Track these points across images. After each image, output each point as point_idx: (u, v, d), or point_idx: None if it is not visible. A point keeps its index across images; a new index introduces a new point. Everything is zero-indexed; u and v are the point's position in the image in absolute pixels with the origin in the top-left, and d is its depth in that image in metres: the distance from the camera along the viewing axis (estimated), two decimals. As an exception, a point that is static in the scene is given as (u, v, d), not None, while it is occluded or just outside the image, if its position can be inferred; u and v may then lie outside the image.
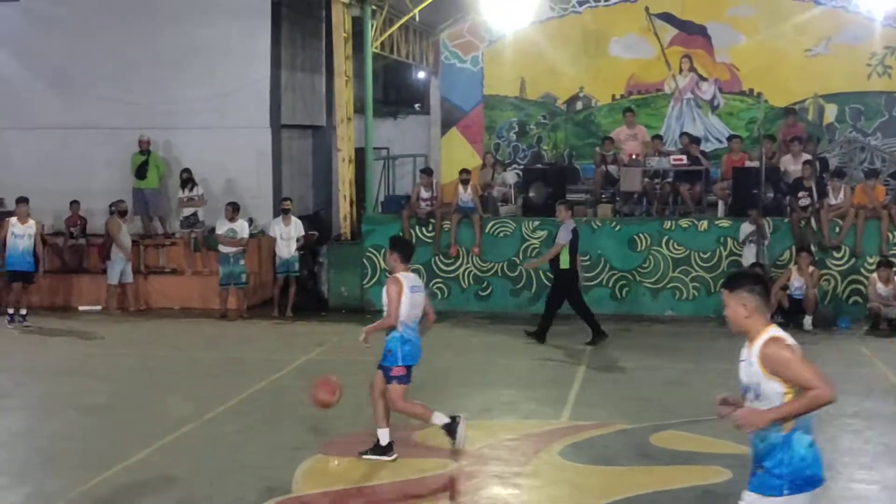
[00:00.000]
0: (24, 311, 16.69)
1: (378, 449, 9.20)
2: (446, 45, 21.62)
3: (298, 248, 17.51)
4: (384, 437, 9.20)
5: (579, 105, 21.21)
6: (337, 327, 16.36)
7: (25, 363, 13.68)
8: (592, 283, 17.06)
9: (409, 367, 9.13)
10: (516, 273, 17.35)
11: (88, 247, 19.00)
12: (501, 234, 17.35)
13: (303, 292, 17.85)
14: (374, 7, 18.11)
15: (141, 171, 19.04)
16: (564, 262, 14.49)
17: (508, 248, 17.36)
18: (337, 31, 17.88)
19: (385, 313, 9.12)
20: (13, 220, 16.90)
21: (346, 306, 17.69)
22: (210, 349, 14.90)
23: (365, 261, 17.60)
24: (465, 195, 17.47)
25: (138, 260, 18.61)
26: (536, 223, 17.37)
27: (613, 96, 20.98)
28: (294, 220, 17.61)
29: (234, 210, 17.50)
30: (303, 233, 17.60)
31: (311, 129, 21.61)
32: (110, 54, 19.43)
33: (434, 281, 17.40)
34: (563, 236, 14.48)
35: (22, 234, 16.79)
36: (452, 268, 17.36)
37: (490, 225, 17.54)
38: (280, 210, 17.90)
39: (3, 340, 15.53)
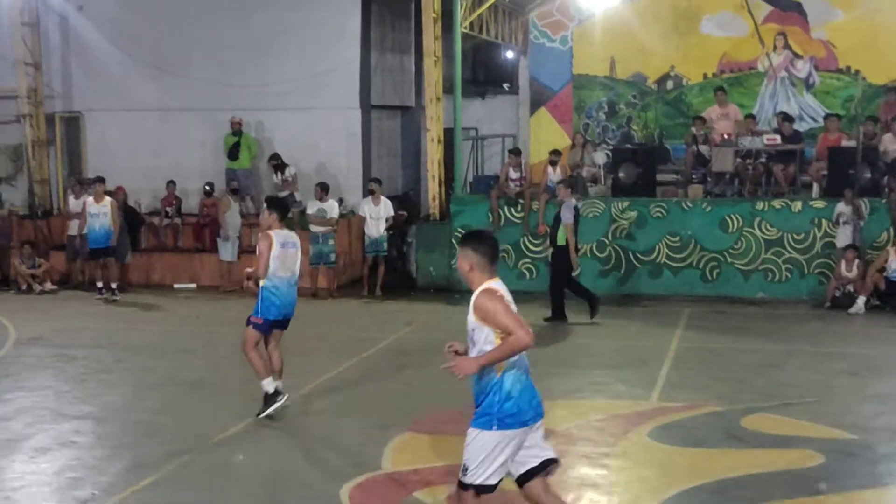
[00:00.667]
0: (113, 286, 17.20)
1: (267, 400, 9.78)
2: (535, 24, 21.53)
3: (387, 228, 17.65)
4: (267, 386, 9.80)
5: (670, 84, 20.95)
6: (425, 307, 16.48)
7: (124, 340, 14.03)
8: (682, 265, 16.93)
9: (267, 320, 9.83)
10: (605, 254, 17.26)
11: (183, 226, 19.41)
12: (590, 215, 17.26)
13: (392, 272, 18.02)
14: (463, -13, 18.11)
15: (233, 152, 19.36)
16: (561, 240, 14.66)
17: (597, 229, 17.26)
18: (426, 12, 17.93)
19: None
20: (90, 199, 17.34)
21: (433, 286, 17.80)
22: (300, 327, 14.97)
23: (453, 241, 17.64)
24: (555, 175, 17.40)
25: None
26: (626, 204, 17.25)
27: (705, 75, 20.70)
28: (383, 200, 17.74)
29: (323, 190, 17.69)
30: (392, 213, 17.73)
31: (400, 109, 21.72)
32: (205, 37, 19.74)
33: (522, 261, 17.42)
34: (567, 216, 14.65)
35: (97, 212, 17.22)
36: (541, 248, 17.32)
37: (579, 205, 17.45)
38: (368, 190, 18.06)
39: (102, 318, 15.97)
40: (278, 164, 19.01)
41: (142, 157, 19.94)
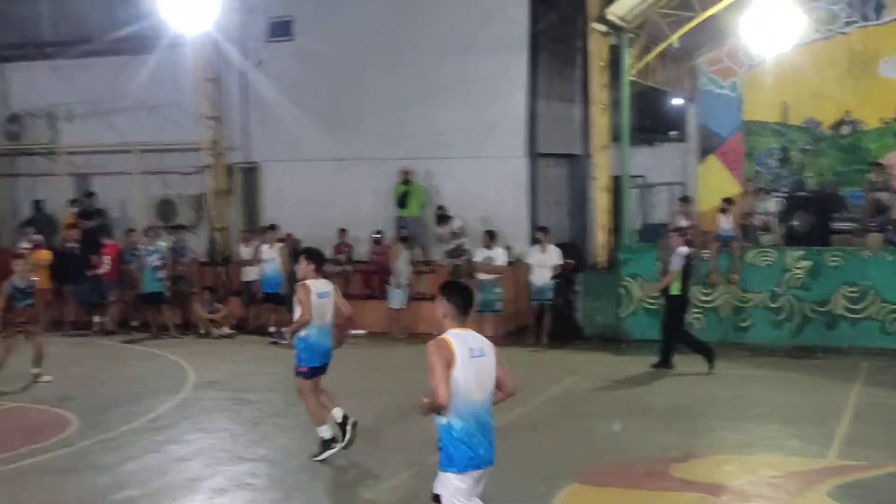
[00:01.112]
0: (283, 330, 17.71)
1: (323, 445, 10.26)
2: (704, 70, 21.28)
3: (554, 277, 17.63)
4: (324, 433, 10.30)
5: (845, 129, 20.32)
6: (591, 356, 16.35)
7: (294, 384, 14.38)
8: (860, 316, 16.30)
9: (312, 368, 10.36)
10: (778, 304, 16.78)
11: (354, 273, 19.86)
12: (762, 264, 16.83)
13: (558, 320, 17.96)
14: (631, 35, 18.05)
15: (403, 201, 19.76)
16: (675, 289, 14.70)
17: (770, 279, 16.81)
18: (594, 60, 17.97)
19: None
20: (264, 246, 18.03)
21: (600, 335, 17.66)
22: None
23: (621, 289, 17.49)
24: (726, 223, 17.08)
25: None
26: (800, 253, 16.76)
27: (883, 119, 19.99)
28: (551, 247, 17.75)
29: (491, 238, 17.84)
30: (559, 261, 17.71)
31: (566, 157, 21.74)
32: (376, 89, 20.28)
33: (692, 311, 17.11)
34: (676, 263, 14.60)
35: (269, 258, 17.90)
36: (711, 297, 16.98)
37: (750, 254, 17.07)
38: (535, 239, 18.11)
39: (274, 362, 16.40)
40: (442, 215, 19.31)
41: (315, 205, 20.55)
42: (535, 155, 20.12)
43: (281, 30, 21.11)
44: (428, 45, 19.99)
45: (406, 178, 19.78)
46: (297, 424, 12.08)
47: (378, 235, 19.61)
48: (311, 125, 20.72)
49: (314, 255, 10.56)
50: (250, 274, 18.85)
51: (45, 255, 19.48)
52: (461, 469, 6.36)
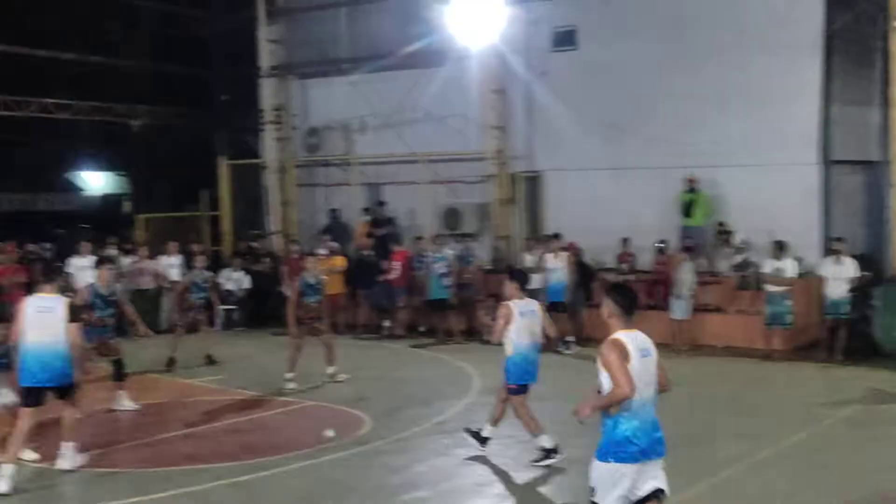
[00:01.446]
0: (569, 339, 17.81)
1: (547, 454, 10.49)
2: None
3: (851, 290, 16.76)
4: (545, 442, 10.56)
5: None
6: (888, 375, 15.42)
7: (582, 392, 14.40)
8: None
9: (521, 385, 10.64)
10: None
11: (636, 282, 19.64)
12: None
13: (853, 336, 17.05)
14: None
15: (688, 210, 19.39)
16: None
17: None
18: (895, 61, 16.95)
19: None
20: (549, 255, 18.25)
21: (899, 352, 16.64)
22: (753, 389, 14.76)
23: (924, 304, 16.41)
24: None
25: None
26: None
27: None
28: (847, 259, 16.88)
29: (780, 249, 17.20)
30: (857, 273, 16.81)
31: (862, 164, 20.60)
32: (659, 95, 20.00)
33: None
34: None
35: (554, 267, 17.99)
36: None
37: None
38: (830, 250, 17.29)
39: (560, 369, 16.46)
40: (723, 230, 18.83)
41: (598, 214, 20.49)
42: (828, 162, 19.20)
43: (565, 39, 21.24)
44: (714, 49, 19.50)
45: (691, 187, 19.40)
46: (583, 432, 12.07)
47: (661, 245, 19.35)
48: (594, 134, 20.71)
49: (517, 275, 11.12)
50: (534, 282, 19.02)
51: (340, 262, 20.55)
52: (622, 460, 6.64)
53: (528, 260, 19.39)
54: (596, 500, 6.69)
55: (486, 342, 18.91)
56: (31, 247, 20.82)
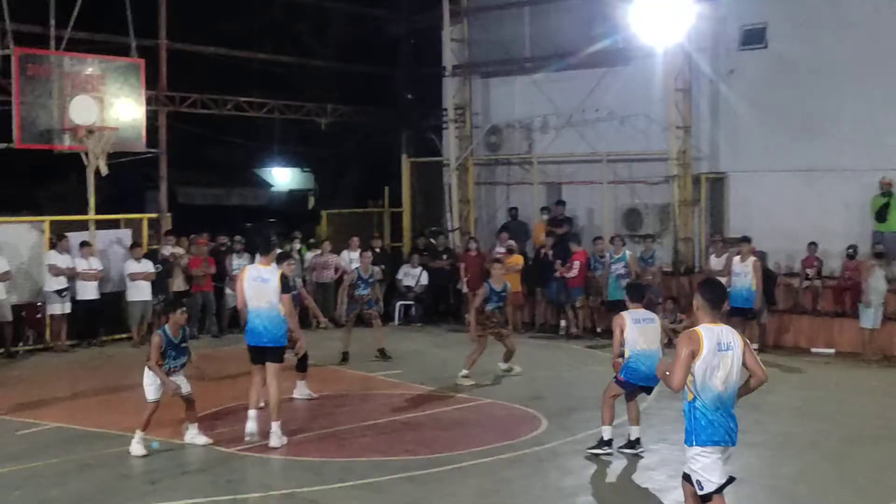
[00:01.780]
0: (754, 346, 17.24)
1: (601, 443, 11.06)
2: None
3: None
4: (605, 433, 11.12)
5: None
6: None
7: (760, 401, 13.99)
8: None
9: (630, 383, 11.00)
10: None
11: (823, 289, 18.97)
12: None
13: None
14: None
15: (881, 214, 18.57)
16: None
17: None
18: None
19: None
20: (735, 258, 17.44)
21: None
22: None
23: None
24: None
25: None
26: None
27: None
28: None
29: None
30: None
31: None
32: (851, 94, 19.29)
33: None
34: None
35: (740, 272, 17.25)
36: None
37: None
38: None
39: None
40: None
41: (783, 217, 19.90)
42: None
43: (754, 37, 20.69)
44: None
45: (886, 190, 18.56)
46: (763, 442, 11.78)
47: (851, 250, 18.58)
48: (782, 134, 20.13)
49: (631, 290, 11.76)
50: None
51: (518, 260, 20.61)
52: (703, 443, 7.28)
53: (714, 262, 18.92)
54: (705, 489, 7.33)
55: (667, 345, 18.63)
56: (222, 239, 21.65)
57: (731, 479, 7.41)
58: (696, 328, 7.31)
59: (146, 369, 11.41)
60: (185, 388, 11.59)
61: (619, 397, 11.32)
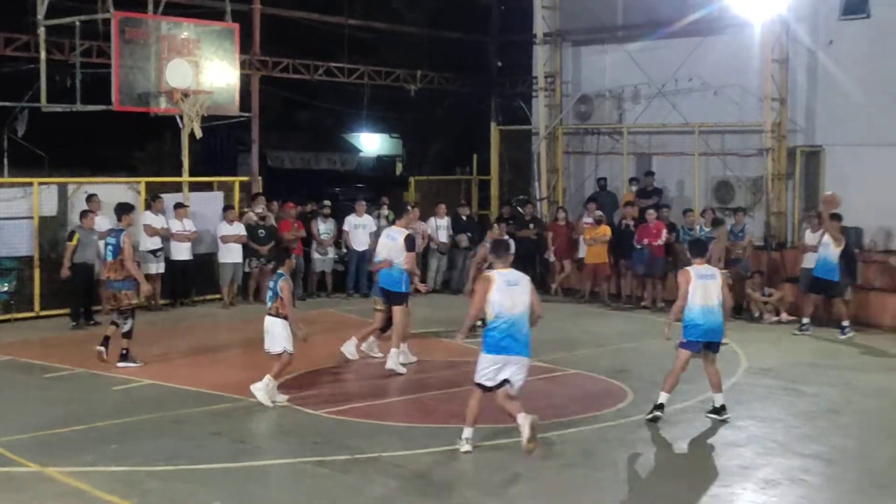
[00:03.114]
0: (845, 323, 16.95)
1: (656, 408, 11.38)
2: None
3: None
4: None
5: None
6: None
7: (855, 380, 13.77)
8: None
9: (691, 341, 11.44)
10: None
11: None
12: None
13: None
14: None
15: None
16: None
17: None
18: None
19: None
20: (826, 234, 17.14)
21: None
22: None
23: None
24: None
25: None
26: None
27: None
28: None
29: None
30: None
31: None
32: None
33: None
34: None
35: (825, 244, 17.02)
36: None
37: None
38: None
39: (827, 354, 15.78)
40: None
41: (881, 192, 19.37)
42: None
43: (856, 6, 20.10)
44: None
45: None
46: (855, 423, 11.58)
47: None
48: (883, 107, 19.53)
49: (693, 245, 12.20)
50: (809, 261, 18.23)
51: (606, 231, 20.46)
52: (489, 353, 9.82)
53: (808, 238, 18.50)
54: (476, 379, 9.94)
55: (756, 319, 18.41)
56: (310, 204, 21.88)
57: (505, 382, 9.85)
58: (488, 272, 10.14)
59: (276, 320, 11.69)
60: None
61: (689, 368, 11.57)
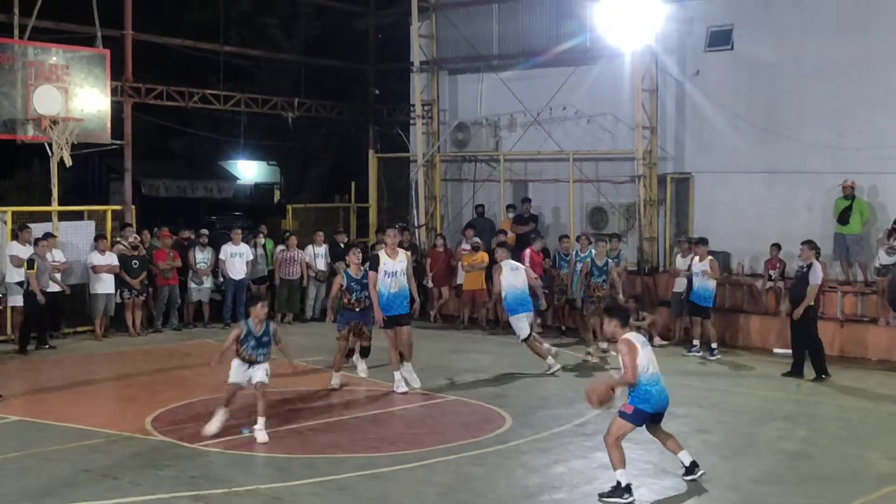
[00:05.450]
0: (713, 345, 17.50)
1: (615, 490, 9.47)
2: None
3: None
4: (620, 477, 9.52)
5: None
6: None
7: (724, 402, 14.17)
8: None
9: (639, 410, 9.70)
10: None
11: (785, 289, 19.12)
12: None
13: None
14: None
15: (843, 216, 18.74)
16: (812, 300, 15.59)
17: None
18: None
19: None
20: (695, 258, 17.93)
21: None
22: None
23: None
24: None
25: (836, 307, 18.32)
26: None
27: None
28: None
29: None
30: None
31: None
32: (819, 98, 19.46)
33: None
34: (816, 278, 15.57)
35: (697, 271, 17.78)
36: None
37: None
38: None
39: (697, 376, 16.21)
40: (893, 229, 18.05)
41: (747, 218, 20.12)
42: None
43: (720, 39, 20.84)
44: (877, 51, 18.84)
45: (849, 193, 18.73)
46: (725, 443, 11.89)
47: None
48: (747, 136, 20.33)
49: (617, 312, 10.21)
50: (681, 285, 18.77)
51: (483, 258, 20.65)
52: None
53: (679, 263, 19.05)
54: None
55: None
56: (185, 233, 21.52)
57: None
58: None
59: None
60: (261, 377, 11.73)
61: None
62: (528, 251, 19.09)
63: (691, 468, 10.10)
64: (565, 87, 22.01)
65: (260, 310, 11.84)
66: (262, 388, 11.71)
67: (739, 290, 19.61)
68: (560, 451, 11.36)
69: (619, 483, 9.51)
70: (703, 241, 18.18)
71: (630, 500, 9.44)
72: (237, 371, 11.78)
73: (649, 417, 9.88)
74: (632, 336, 9.82)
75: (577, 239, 20.08)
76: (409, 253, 15.42)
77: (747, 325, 19.07)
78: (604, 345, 17.39)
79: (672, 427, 12.37)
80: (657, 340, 18.80)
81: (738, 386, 15.56)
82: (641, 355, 9.68)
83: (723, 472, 10.65)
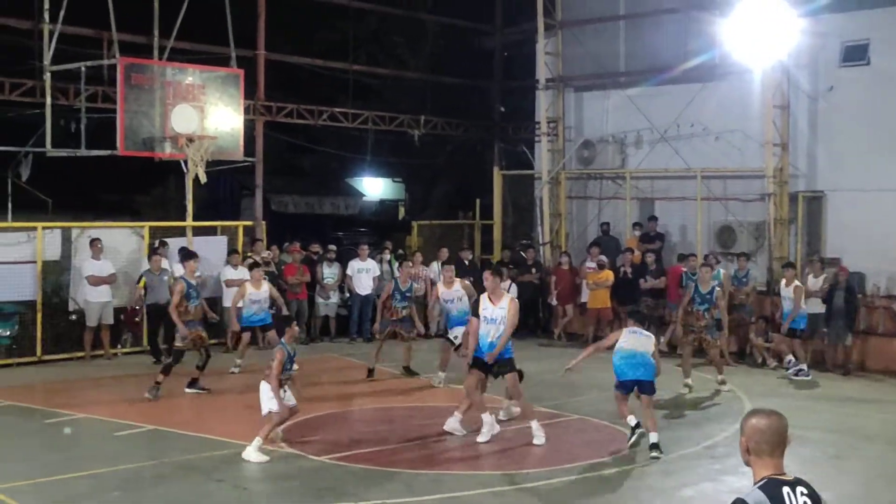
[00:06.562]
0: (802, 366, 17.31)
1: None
2: None
3: None
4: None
5: None
6: None
7: (857, 425, 13.74)
8: None
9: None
10: None
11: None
12: None
13: None
14: None
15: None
16: None
17: None
18: None
19: None
20: (810, 277, 18.13)
21: None
22: None
23: None
24: None
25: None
26: None
27: None
28: None
29: None
30: None
31: None
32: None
33: None
34: None
35: (785, 296, 17.95)
36: None
37: None
38: None
39: (826, 401, 15.75)
40: None
41: (883, 238, 19.44)
42: None
43: (855, 54, 20.26)
44: None
45: None
46: (861, 469, 11.53)
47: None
48: (883, 153, 19.66)
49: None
50: (812, 306, 18.30)
51: (608, 276, 20.48)
52: None
53: (811, 283, 18.56)
54: None
55: (758, 365, 18.37)
56: (315, 247, 21.91)
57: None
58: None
59: (263, 384, 11.64)
60: (292, 401, 11.82)
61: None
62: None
63: (634, 430, 11.84)
64: (693, 103, 21.70)
65: (296, 330, 12.30)
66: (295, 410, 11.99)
67: (876, 312, 18.96)
68: (687, 474, 11.18)
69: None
70: (790, 266, 17.89)
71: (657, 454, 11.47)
72: (274, 396, 11.62)
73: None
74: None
75: (705, 258, 19.42)
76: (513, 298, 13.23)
77: (885, 348, 18.42)
78: (720, 377, 16.62)
79: (804, 452, 12.14)
80: (791, 360, 18.32)
81: (874, 411, 15.05)
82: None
83: (859, 498, 10.32)
